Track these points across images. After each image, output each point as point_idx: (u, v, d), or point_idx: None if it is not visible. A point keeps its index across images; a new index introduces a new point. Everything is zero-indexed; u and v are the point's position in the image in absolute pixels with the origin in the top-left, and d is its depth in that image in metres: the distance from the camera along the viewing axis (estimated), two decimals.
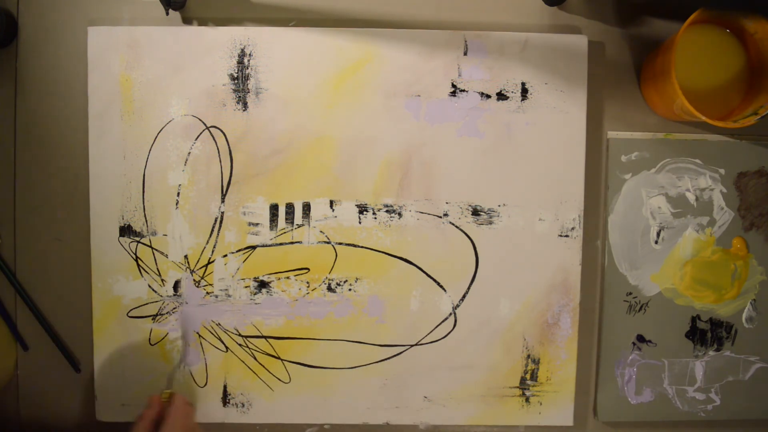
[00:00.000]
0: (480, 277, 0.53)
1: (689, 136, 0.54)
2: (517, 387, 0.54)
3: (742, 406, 0.55)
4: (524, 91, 0.52)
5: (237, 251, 0.52)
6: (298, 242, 0.52)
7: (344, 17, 0.53)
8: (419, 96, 0.52)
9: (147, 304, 0.52)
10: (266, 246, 0.52)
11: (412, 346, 0.53)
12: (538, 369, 0.54)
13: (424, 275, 0.53)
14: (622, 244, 0.54)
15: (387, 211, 0.53)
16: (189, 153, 0.52)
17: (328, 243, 0.52)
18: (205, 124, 0.52)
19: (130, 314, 0.52)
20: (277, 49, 0.52)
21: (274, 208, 0.52)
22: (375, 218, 0.53)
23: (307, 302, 0.53)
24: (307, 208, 0.52)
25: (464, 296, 0.53)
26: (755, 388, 0.54)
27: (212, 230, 0.52)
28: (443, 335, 0.53)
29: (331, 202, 0.52)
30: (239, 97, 0.52)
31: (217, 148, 0.52)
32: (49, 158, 0.53)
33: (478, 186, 0.53)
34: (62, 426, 0.54)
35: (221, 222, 0.52)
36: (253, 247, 0.52)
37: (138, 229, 0.52)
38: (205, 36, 0.51)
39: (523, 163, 0.53)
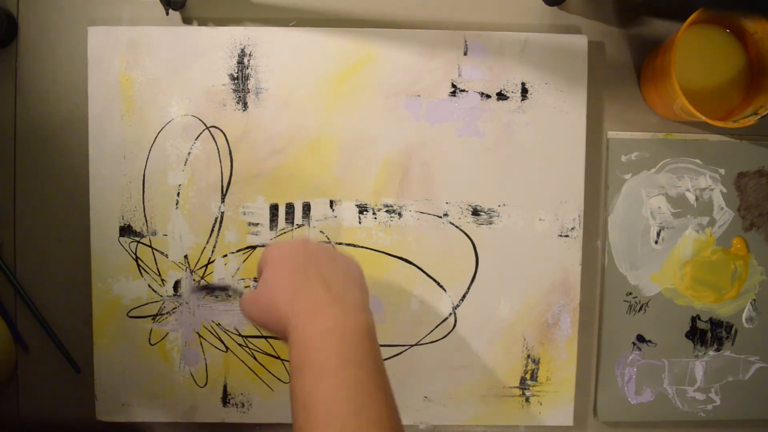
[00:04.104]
0: (480, 277, 0.53)
1: (689, 136, 0.54)
2: (517, 387, 0.54)
3: (742, 406, 0.55)
4: (524, 91, 0.52)
5: (237, 251, 0.52)
6: None
7: (344, 17, 0.53)
8: (419, 96, 0.52)
9: (147, 304, 0.52)
10: (266, 246, 0.52)
11: (412, 346, 0.53)
12: (538, 369, 0.54)
13: (424, 275, 0.53)
14: (622, 244, 0.54)
15: (387, 211, 0.53)
16: (189, 153, 0.52)
17: (328, 243, 0.52)
18: (205, 124, 0.52)
19: (130, 314, 0.52)
20: (277, 49, 0.52)
21: (274, 208, 0.52)
22: (375, 218, 0.53)
23: None
24: (307, 208, 0.52)
25: (464, 296, 0.53)
26: (755, 388, 0.54)
27: (212, 230, 0.52)
28: (443, 335, 0.53)
29: (331, 202, 0.52)
30: (239, 97, 0.52)
31: (217, 148, 0.52)
32: (49, 158, 0.53)
33: (478, 186, 0.53)
34: (62, 426, 0.54)
35: (221, 222, 0.52)
36: (254, 247, 0.52)
37: (138, 229, 0.52)
38: (205, 36, 0.51)
39: (523, 163, 0.53)
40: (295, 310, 0.39)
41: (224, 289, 0.52)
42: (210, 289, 0.52)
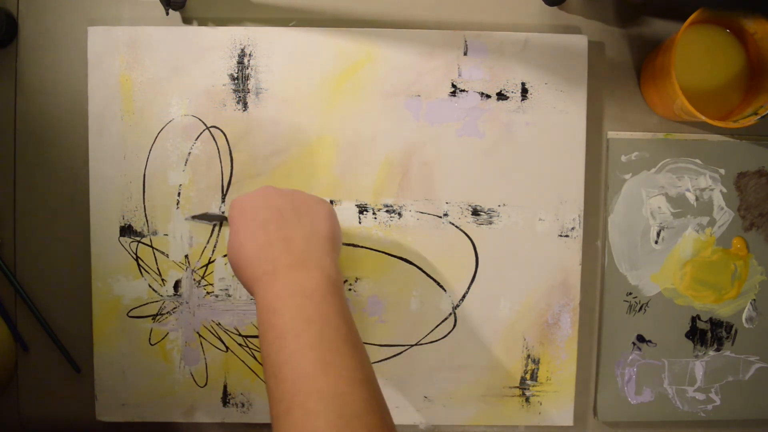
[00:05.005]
0: (480, 277, 0.53)
1: (689, 136, 0.54)
2: (517, 387, 0.54)
3: (742, 406, 0.55)
4: (524, 91, 0.52)
5: None
6: None
7: (344, 17, 0.53)
8: (419, 96, 0.52)
9: (147, 303, 0.52)
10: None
11: (412, 346, 0.53)
12: (538, 369, 0.54)
13: (424, 275, 0.53)
14: (622, 244, 0.54)
15: (387, 211, 0.53)
16: (189, 153, 0.52)
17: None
18: (205, 124, 0.52)
19: (130, 314, 0.52)
20: (277, 49, 0.52)
21: None
22: (375, 218, 0.53)
23: None
24: None
25: (464, 296, 0.53)
26: (755, 388, 0.55)
27: (213, 230, 0.52)
28: (443, 335, 0.53)
29: (331, 202, 0.52)
30: (239, 97, 0.52)
31: (218, 148, 0.52)
32: (49, 158, 0.53)
33: (478, 186, 0.53)
34: (62, 426, 0.54)
35: (222, 222, 0.52)
36: None
37: (138, 229, 0.52)
38: (205, 36, 0.51)
39: (523, 163, 0.53)
40: (257, 274, 0.38)
41: (223, 218, 0.51)
42: (209, 218, 0.51)
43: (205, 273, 0.52)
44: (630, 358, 0.54)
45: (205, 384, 0.53)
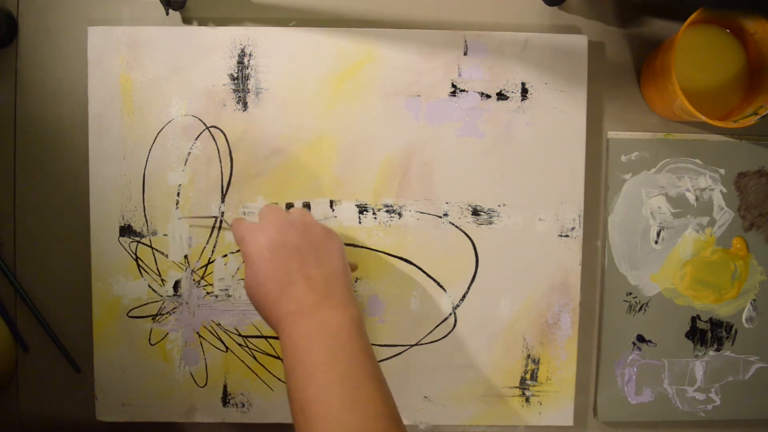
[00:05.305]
0: (480, 277, 0.53)
1: (689, 136, 0.54)
2: (517, 387, 0.54)
3: (742, 406, 0.55)
4: (524, 91, 0.52)
5: (237, 251, 0.52)
6: None
7: (344, 17, 0.53)
8: (419, 96, 0.52)
9: (147, 304, 0.52)
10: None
11: (412, 346, 0.53)
12: (538, 369, 0.54)
13: (424, 275, 0.53)
14: (622, 244, 0.54)
15: (387, 211, 0.53)
16: (189, 153, 0.52)
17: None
18: (205, 124, 0.52)
19: (130, 314, 0.52)
20: (277, 49, 0.52)
21: None
22: (375, 218, 0.53)
23: None
24: (307, 208, 0.52)
25: (464, 296, 0.53)
26: (755, 388, 0.55)
27: (212, 230, 0.52)
28: (443, 335, 0.53)
29: (331, 202, 0.52)
30: (239, 97, 0.52)
31: (217, 148, 0.52)
32: (49, 158, 0.53)
33: (478, 186, 0.53)
34: (62, 426, 0.54)
35: (221, 222, 0.52)
36: None
37: (138, 229, 0.52)
38: (205, 36, 0.51)
39: (523, 163, 0.53)
40: (281, 313, 0.40)
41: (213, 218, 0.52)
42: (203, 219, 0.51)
43: (204, 273, 0.52)
44: (630, 358, 0.54)
45: (205, 384, 0.53)
